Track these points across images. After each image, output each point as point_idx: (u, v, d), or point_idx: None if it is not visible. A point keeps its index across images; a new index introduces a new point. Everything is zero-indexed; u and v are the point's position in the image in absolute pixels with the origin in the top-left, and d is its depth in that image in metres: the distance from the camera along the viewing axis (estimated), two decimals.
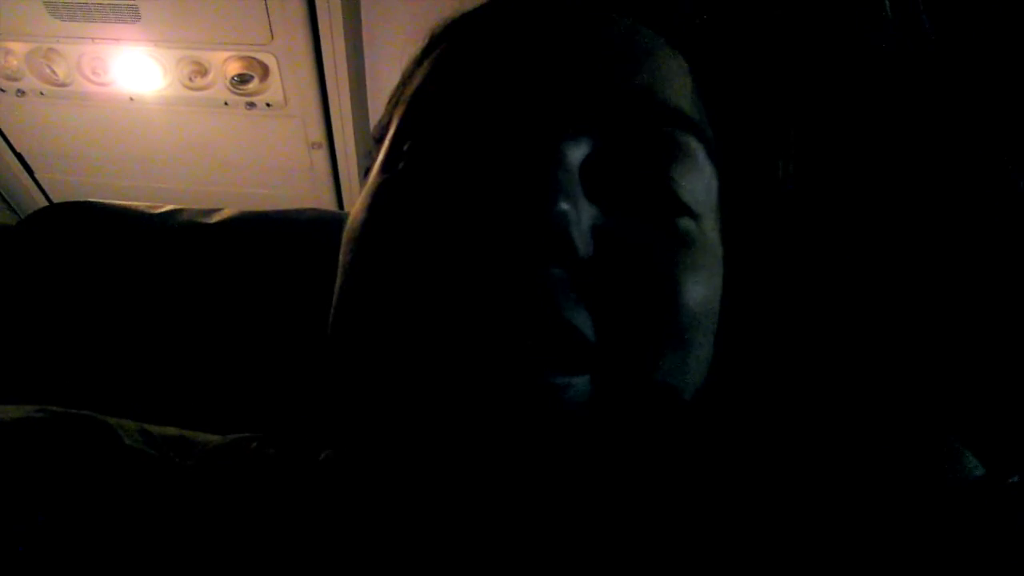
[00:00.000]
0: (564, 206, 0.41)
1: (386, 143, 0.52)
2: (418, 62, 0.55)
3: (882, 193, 0.61)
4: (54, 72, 2.02)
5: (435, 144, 0.48)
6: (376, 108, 2.01)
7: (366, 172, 0.56)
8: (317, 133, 2.09)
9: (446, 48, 0.52)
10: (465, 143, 0.47)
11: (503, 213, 0.41)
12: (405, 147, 0.49)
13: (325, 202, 2.26)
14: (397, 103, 0.54)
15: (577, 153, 0.45)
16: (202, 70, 1.99)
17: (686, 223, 0.46)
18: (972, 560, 0.44)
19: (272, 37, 1.87)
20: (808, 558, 0.46)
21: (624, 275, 0.43)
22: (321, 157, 2.15)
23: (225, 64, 1.97)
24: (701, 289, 0.46)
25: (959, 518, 0.46)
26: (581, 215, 0.43)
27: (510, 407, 0.40)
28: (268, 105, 2.05)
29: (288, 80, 1.99)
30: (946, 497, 0.47)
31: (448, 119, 0.48)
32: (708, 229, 0.48)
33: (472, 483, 0.43)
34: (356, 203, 0.51)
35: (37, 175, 2.31)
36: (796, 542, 0.47)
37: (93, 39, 1.92)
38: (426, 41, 0.56)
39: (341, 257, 0.50)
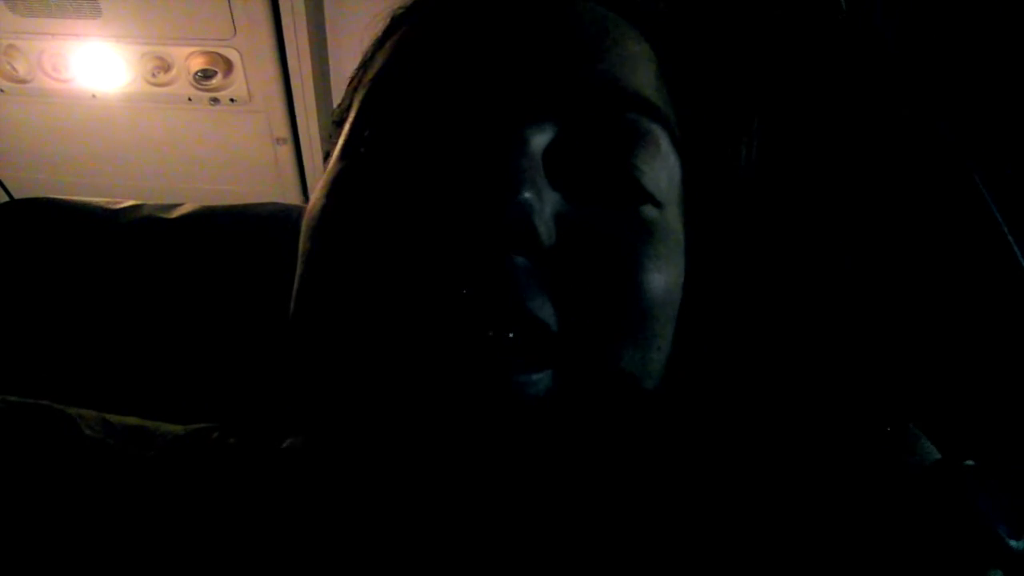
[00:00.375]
0: (527, 194, 0.41)
1: (346, 128, 0.51)
2: (379, 43, 0.55)
3: (841, 180, 0.62)
4: (14, 69, 1.99)
5: (396, 130, 0.47)
6: None
7: (326, 156, 0.55)
8: (282, 128, 2.07)
9: (408, 30, 0.52)
10: (426, 129, 0.46)
11: (465, 201, 0.41)
12: (365, 133, 0.48)
13: (290, 197, 2.24)
14: (358, 86, 0.54)
15: (540, 139, 0.44)
16: (165, 66, 1.97)
17: (649, 211, 0.46)
18: (929, 539, 0.45)
19: (235, 31, 1.85)
20: (770, 541, 0.47)
21: (587, 264, 0.43)
22: (286, 152, 2.13)
23: (188, 60, 1.95)
24: (663, 277, 0.45)
25: (918, 499, 0.46)
26: (544, 203, 0.42)
27: (471, 403, 0.40)
28: (232, 101, 2.03)
29: (252, 75, 1.97)
30: (906, 480, 0.48)
31: (409, 104, 0.47)
32: (671, 217, 0.48)
33: (435, 473, 0.43)
34: (316, 189, 0.51)
35: None
36: (759, 525, 0.47)
37: (54, 35, 1.90)
38: (388, 22, 0.55)
39: (301, 244, 0.49)
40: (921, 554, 0.44)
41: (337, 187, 0.48)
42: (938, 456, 0.49)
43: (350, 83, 0.57)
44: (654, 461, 0.52)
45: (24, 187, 2.29)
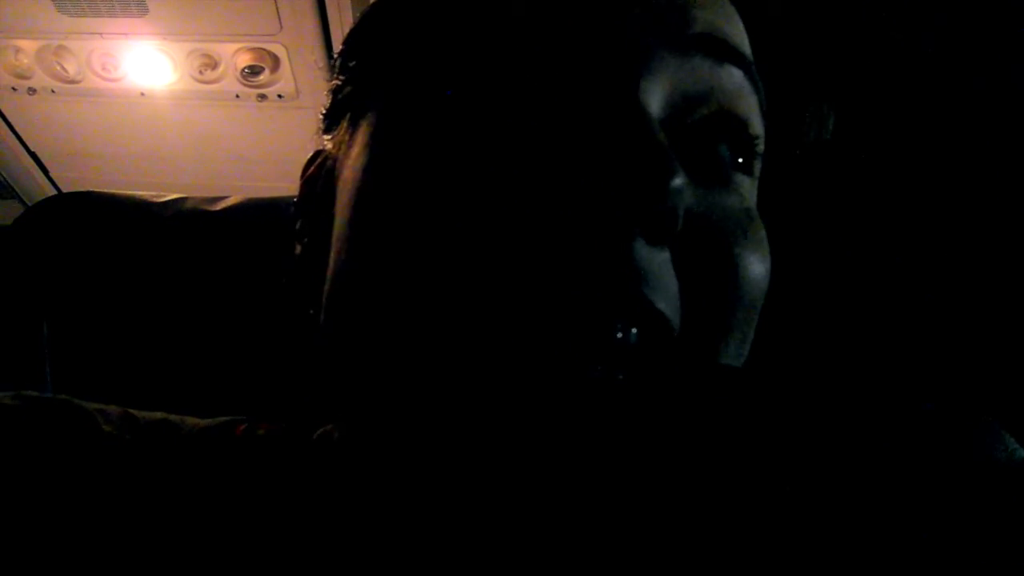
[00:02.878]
0: (678, 181, 0.35)
1: (392, 71, 0.44)
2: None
3: (921, 157, 0.59)
4: (64, 69, 2.02)
5: (479, 80, 0.40)
6: None
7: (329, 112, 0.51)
8: None
9: None
10: (514, 80, 0.39)
11: (598, 182, 0.35)
12: (431, 71, 0.42)
13: None
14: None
15: (656, 105, 0.39)
16: (212, 63, 1.98)
17: (747, 187, 0.43)
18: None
19: (281, 27, 1.85)
20: (848, 537, 0.44)
21: (702, 253, 0.39)
22: None
23: (235, 56, 1.96)
24: (765, 266, 0.42)
25: (1012, 495, 0.43)
26: (685, 188, 0.37)
27: (514, 399, 0.36)
28: (280, 97, 2.03)
29: (299, 71, 1.97)
30: (996, 477, 0.45)
31: (488, 43, 0.40)
32: (754, 192, 0.45)
33: (474, 466, 0.39)
34: (350, 156, 0.45)
35: (52, 173, 2.31)
36: (833, 522, 0.45)
37: (102, 34, 1.91)
38: None
39: (339, 216, 0.44)
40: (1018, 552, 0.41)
41: (393, 143, 0.41)
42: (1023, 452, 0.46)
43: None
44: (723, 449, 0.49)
45: (76, 186, 2.29)
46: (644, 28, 0.40)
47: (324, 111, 0.53)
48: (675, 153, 0.37)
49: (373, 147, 0.42)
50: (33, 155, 2.25)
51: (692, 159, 0.40)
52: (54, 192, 2.34)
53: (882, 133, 0.59)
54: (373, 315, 0.41)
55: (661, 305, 0.36)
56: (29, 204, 2.23)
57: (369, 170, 0.42)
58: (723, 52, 0.42)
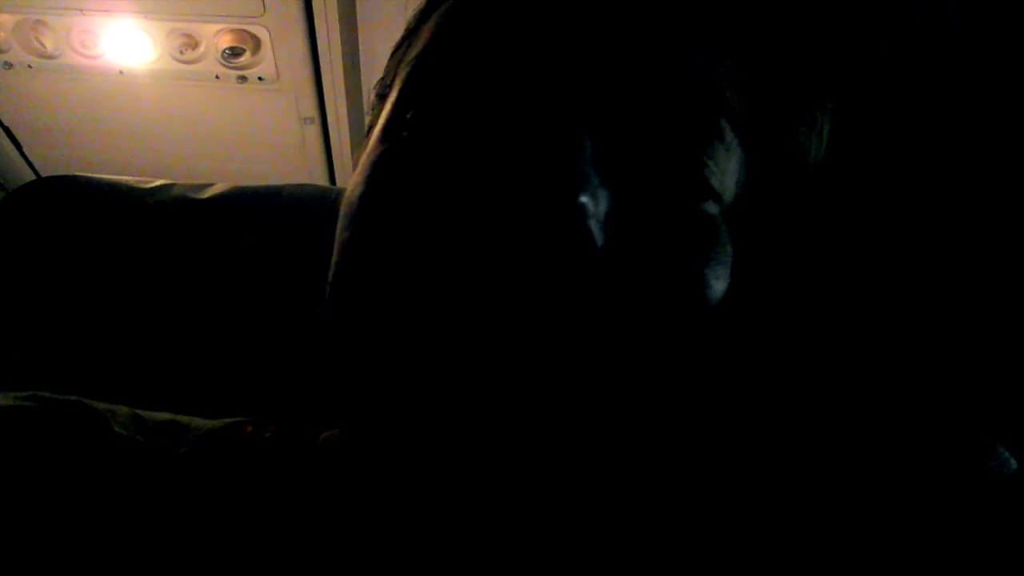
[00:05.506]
0: (583, 199, 0.38)
1: (388, 107, 0.48)
2: (424, 14, 0.51)
3: (913, 175, 0.59)
4: (42, 44, 1.99)
5: (441, 116, 0.44)
6: (370, 82, 1.97)
7: (368, 129, 0.53)
8: (309, 108, 2.06)
9: (454, 4, 0.48)
10: (476, 118, 0.43)
11: (517, 203, 0.38)
12: (409, 114, 0.46)
13: (317, 177, 2.23)
14: (401, 60, 0.51)
15: (597, 132, 0.42)
16: (193, 43, 1.96)
17: (710, 207, 0.43)
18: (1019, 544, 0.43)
19: (264, 9, 1.83)
20: (841, 547, 0.45)
21: (642, 268, 0.41)
22: (313, 132, 2.12)
23: (217, 37, 1.94)
24: (721, 284, 0.43)
25: (1006, 505, 0.44)
26: (599, 205, 0.40)
27: (509, 405, 0.38)
28: (260, 79, 2.02)
29: (280, 53, 1.95)
30: (991, 485, 0.46)
31: (457, 89, 0.44)
32: (727, 211, 0.45)
33: (471, 470, 0.41)
34: (355, 172, 0.48)
35: (25, 149, 2.28)
36: (826, 529, 0.46)
37: (82, 10, 1.89)
38: None
39: (338, 233, 0.47)
40: (1011, 559, 0.42)
41: (376, 173, 0.45)
42: (1016, 465, 0.47)
43: (393, 55, 0.55)
44: (691, 460, 0.50)
45: (50, 163, 2.30)
46: (601, 61, 0.43)
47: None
48: (613, 172, 0.41)
49: (363, 172, 0.47)
50: (7, 130, 2.22)
51: (640, 179, 0.42)
52: (26, 168, 2.32)
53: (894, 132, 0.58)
54: (348, 324, 0.45)
55: (578, 318, 0.39)
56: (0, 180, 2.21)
57: (356, 194, 0.46)
58: (683, 92, 0.44)
